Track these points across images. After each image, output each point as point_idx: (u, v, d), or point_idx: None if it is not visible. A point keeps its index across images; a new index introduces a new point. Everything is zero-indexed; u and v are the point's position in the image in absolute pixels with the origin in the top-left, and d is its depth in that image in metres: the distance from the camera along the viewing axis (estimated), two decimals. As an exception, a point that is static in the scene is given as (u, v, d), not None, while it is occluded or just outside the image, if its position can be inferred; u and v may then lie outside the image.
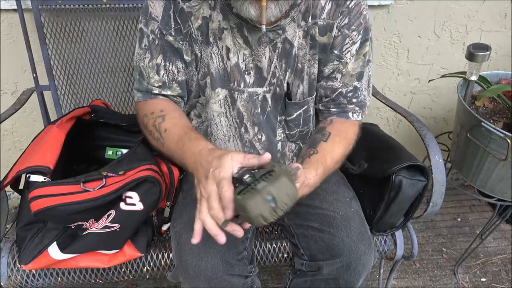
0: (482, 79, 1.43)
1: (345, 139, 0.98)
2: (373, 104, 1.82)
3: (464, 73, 1.38)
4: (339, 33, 0.95)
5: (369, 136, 1.23)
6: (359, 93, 1.01)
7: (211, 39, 0.93)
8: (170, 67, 0.94)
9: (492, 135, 1.25)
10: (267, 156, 0.71)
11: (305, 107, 1.03)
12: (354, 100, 1.01)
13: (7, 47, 1.48)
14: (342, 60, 0.97)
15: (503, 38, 1.75)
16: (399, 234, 1.18)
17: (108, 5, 1.33)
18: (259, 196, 0.65)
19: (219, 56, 0.94)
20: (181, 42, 0.93)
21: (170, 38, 0.92)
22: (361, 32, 0.96)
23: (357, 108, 1.01)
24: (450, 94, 1.86)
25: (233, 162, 0.70)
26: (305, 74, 0.98)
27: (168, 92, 0.96)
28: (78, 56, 1.40)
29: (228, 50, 0.94)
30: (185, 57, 0.94)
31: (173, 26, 0.91)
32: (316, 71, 0.99)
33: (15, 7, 1.32)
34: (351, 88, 1.00)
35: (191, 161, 0.79)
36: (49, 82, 1.38)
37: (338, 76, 0.99)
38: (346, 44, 0.96)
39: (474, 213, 1.98)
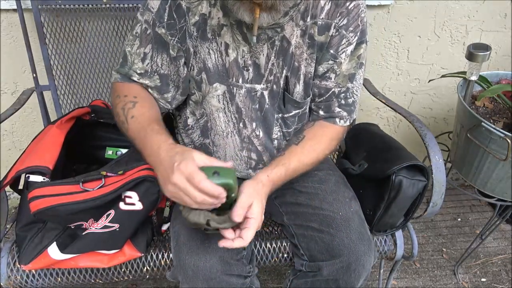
0: (482, 79, 1.43)
1: (319, 143, 1.01)
2: (373, 104, 1.82)
3: (464, 73, 1.38)
4: (337, 33, 0.95)
5: (369, 136, 1.23)
6: (350, 94, 1.02)
7: (209, 35, 0.94)
8: (156, 58, 0.95)
9: (492, 135, 1.25)
10: (229, 163, 0.79)
11: (304, 107, 1.04)
12: (343, 102, 1.02)
13: (7, 47, 1.48)
14: (337, 60, 0.98)
15: (503, 38, 1.75)
16: (399, 234, 1.18)
17: (108, 5, 1.33)
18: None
19: (218, 52, 0.95)
20: (170, 37, 0.94)
21: (162, 30, 0.93)
22: (358, 34, 0.96)
23: (344, 114, 1.03)
24: (450, 94, 1.86)
25: (196, 158, 0.75)
26: (301, 73, 0.99)
27: (147, 82, 0.97)
28: (78, 56, 1.40)
29: (227, 46, 0.95)
30: (171, 51, 0.95)
31: (165, 20, 0.92)
32: (313, 71, 0.99)
33: (15, 7, 1.32)
34: (344, 89, 1.01)
35: (151, 159, 0.83)
36: (49, 82, 1.38)
37: (332, 76, 1.00)
38: (343, 44, 0.97)
39: (474, 213, 1.98)
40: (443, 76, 1.50)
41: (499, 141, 1.24)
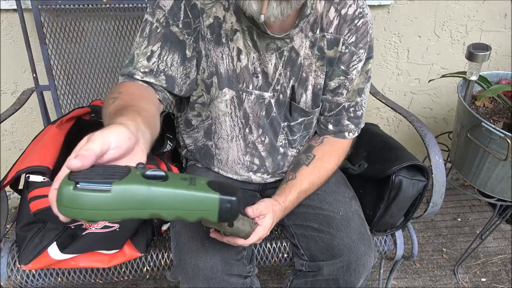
0: (482, 79, 1.43)
1: (329, 162, 1.04)
2: (373, 104, 1.82)
3: (464, 73, 1.38)
4: (346, 50, 0.96)
5: (369, 136, 1.23)
6: (358, 107, 1.04)
7: (223, 39, 0.92)
8: (165, 57, 0.89)
9: (492, 135, 1.25)
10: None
11: (311, 116, 1.04)
12: (352, 115, 1.04)
13: (7, 47, 1.48)
14: (348, 76, 0.99)
15: (503, 38, 1.75)
16: (399, 234, 1.18)
17: (108, 5, 1.33)
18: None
19: (229, 57, 0.94)
20: (186, 36, 0.90)
21: (176, 29, 0.89)
22: (367, 50, 0.98)
23: (352, 127, 1.05)
24: (450, 94, 1.86)
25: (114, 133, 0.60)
26: (310, 84, 0.99)
27: (152, 80, 0.89)
28: (78, 56, 1.40)
29: (239, 51, 0.94)
30: (187, 51, 0.91)
31: (181, 18, 0.89)
32: (323, 82, 0.99)
33: (15, 7, 1.32)
34: (353, 103, 1.03)
35: None
36: (49, 82, 1.38)
37: (344, 92, 1.01)
38: (353, 61, 0.97)
39: (474, 213, 1.98)
40: (443, 76, 1.50)
41: (499, 141, 1.24)
